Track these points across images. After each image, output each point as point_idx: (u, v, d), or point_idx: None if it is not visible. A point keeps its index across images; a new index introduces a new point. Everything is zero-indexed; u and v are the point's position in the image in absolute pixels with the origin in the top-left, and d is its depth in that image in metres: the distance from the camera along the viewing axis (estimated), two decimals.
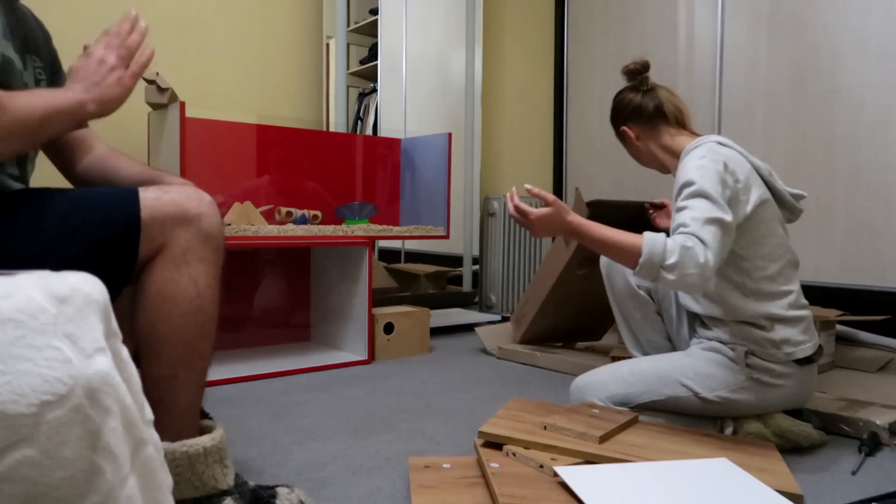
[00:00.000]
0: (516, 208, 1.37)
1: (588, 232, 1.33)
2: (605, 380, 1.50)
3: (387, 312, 2.31)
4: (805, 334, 1.39)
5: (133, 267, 0.90)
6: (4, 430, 0.52)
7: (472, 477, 1.17)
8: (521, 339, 2.34)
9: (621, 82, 1.61)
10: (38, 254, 0.84)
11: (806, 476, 1.26)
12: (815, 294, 2.46)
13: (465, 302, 3.15)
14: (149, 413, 0.65)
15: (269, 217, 2.35)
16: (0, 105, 0.80)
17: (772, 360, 1.37)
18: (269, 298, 2.42)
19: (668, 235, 1.28)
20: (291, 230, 2.06)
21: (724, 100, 2.81)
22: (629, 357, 1.69)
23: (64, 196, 0.90)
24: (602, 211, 1.88)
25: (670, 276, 1.22)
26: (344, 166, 2.61)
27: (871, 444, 1.38)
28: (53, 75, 1.15)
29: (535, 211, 1.35)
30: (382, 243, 2.92)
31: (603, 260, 1.64)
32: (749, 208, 1.35)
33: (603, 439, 1.25)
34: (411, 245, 3.01)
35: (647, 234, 1.26)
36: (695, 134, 1.55)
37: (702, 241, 1.23)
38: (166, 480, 0.65)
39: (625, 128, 1.58)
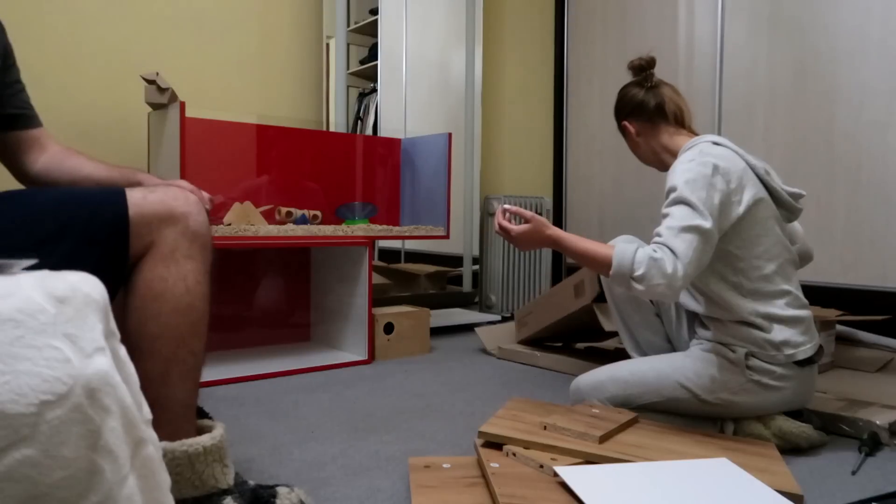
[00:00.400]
0: (499, 226, 1.44)
1: (566, 244, 1.39)
2: (605, 381, 1.50)
3: (387, 312, 2.31)
4: (805, 335, 1.39)
5: (124, 267, 0.91)
6: (4, 430, 0.52)
7: (472, 477, 1.17)
8: (522, 341, 2.34)
9: (621, 82, 1.61)
10: (27, 252, 0.84)
11: (806, 476, 1.26)
12: (815, 294, 2.46)
13: (465, 302, 3.15)
14: (148, 413, 0.65)
15: (269, 217, 2.35)
16: None
17: (772, 362, 1.37)
18: (269, 298, 2.42)
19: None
20: (291, 230, 2.06)
21: (724, 100, 2.81)
22: (628, 357, 1.69)
23: (51, 196, 0.90)
24: None
25: (639, 287, 1.26)
26: (344, 166, 2.61)
27: (871, 444, 1.38)
28: (5, 70, 1.14)
29: (516, 228, 1.42)
30: (382, 243, 2.92)
31: None
32: (742, 209, 1.35)
33: (603, 439, 1.25)
34: (411, 245, 3.01)
35: (618, 246, 1.30)
36: (693, 134, 1.55)
37: (672, 250, 1.25)
38: (166, 480, 0.65)
39: (626, 123, 1.59)
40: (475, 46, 3.14)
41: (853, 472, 1.28)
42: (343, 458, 1.33)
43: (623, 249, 1.29)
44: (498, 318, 2.99)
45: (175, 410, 0.92)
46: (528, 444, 1.22)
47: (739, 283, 1.38)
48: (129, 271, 0.92)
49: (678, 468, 1.14)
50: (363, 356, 2.22)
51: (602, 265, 1.33)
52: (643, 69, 1.57)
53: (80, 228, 0.87)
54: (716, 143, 1.43)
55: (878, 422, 1.44)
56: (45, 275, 0.60)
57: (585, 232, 3.43)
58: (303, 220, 2.30)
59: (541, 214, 3.20)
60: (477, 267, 3.17)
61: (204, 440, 0.91)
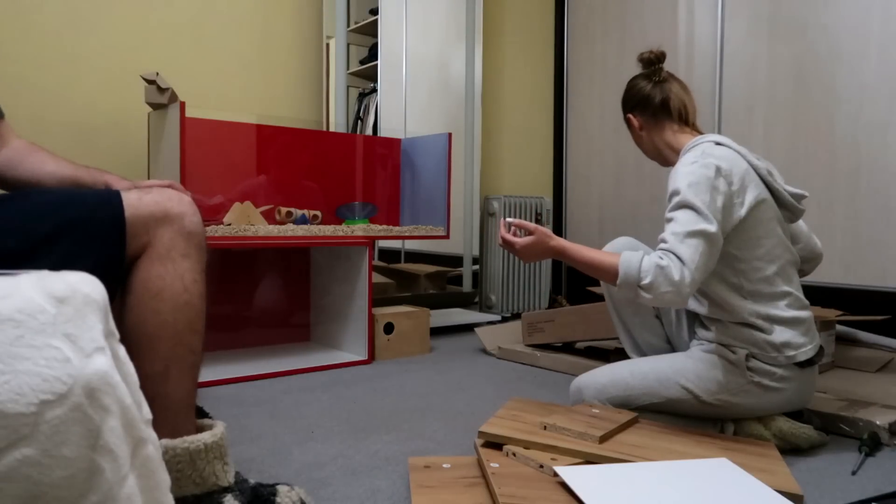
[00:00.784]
0: (503, 239, 1.43)
1: (571, 254, 1.39)
2: (605, 382, 1.50)
3: (387, 312, 2.31)
4: (806, 336, 1.39)
5: (121, 267, 0.91)
6: (4, 430, 0.52)
7: (472, 477, 1.17)
8: (530, 344, 2.33)
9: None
10: (23, 255, 0.84)
11: (806, 476, 1.26)
12: (815, 294, 2.46)
13: (465, 302, 3.15)
14: (147, 412, 0.65)
15: (269, 217, 2.35)
16: None
17: (773, 363, 1.37)
18: (269, 298, 2.42)
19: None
20: (291, 230, 2.06)
21: (724, 100, 2.81)
22: (628, 358, 1.69)
23: (47, 198, 0.91)
24: None
25: (646, 295, 1.26)
26: (344, 166, 2.61)
27: (871, 444, 1.38)
28: None
29: (520, 240, 1.41)
30: (382, 243, 2.92)
31: None
32: (744, 210, 1.35)
33: (603, 439, 1.25)
34: (411, 245, 3.01)
35: (624, 254, 1.30)
36: (698, 132, 1.54)
37: (679, 257, 1.25)
38: (165, 479, 0.65)
39: (630, 115, 1.59)
40: (475, 46, 3.14)
41: (853, 472, 1.28)
42: (343, 458, 1.33)
43: (629, 258, 1.28)
44: (498, 318, 2.99)
45: (175, 408, 0.93)
46: (528, 444, 1.22)
47: (740, 285, 1.38)
48: (127, 271, 0.93)
49: (678, 468, 1.14)
50: (363, 356, 2.22)
51: (608, 274, 1.32)
52: (652, 63, 1.56)
53: (78, 230, 0.88)
54: (718, 144, 1.43)
55: (878, 422, 1.44)
56: (45, 275, 0.60)
57: (585, 232, 3.43)
58: (303, 220, 2.30)
59: (541, 215, 3.21)
60: (477, 267, 3.17)
61: (205, 437, 0.92)
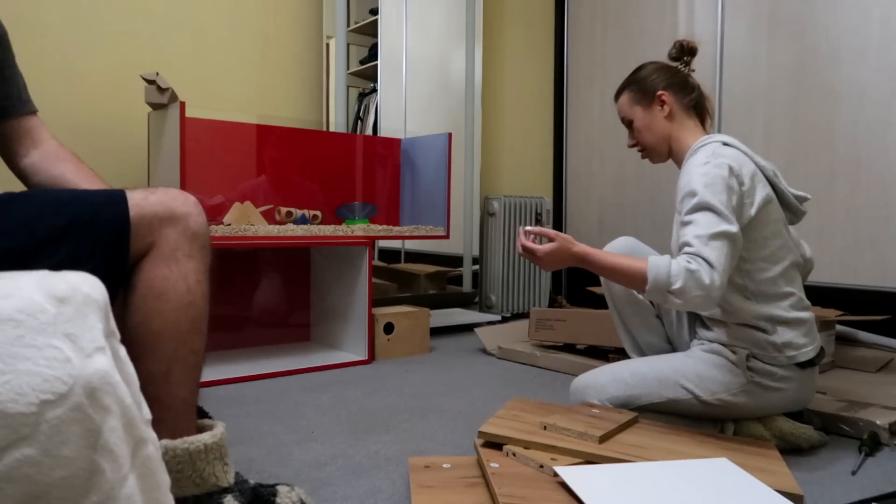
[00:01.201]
0: (523, 247, 1.39)
1: (595, 260, 1.36)
2: (605, 382, 1.50)
3: (387, 312, 2.31)
4: (807, 337, 1.39)
5: (126, 267, 0.91)
6: (4, 430, 0.52)
7: (472, 477, 1.17)
8: (534, 339, 2.33)
9: (621, 82, 1.60)
10: (28, 254, 0.84)
11: (806, 476, 1.26)
12: (815, 294, 2.46)
13: (465, 302, 3.15)
14: (147, 412, 0.65)
15: (269, 217, 2.35)
16: None
17: (773, 364, 1.37)
18: (269, 298, 2.42)
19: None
20: (291, 230, 2.06)
21: (724, 100, 2.81)
22: (628, 358, 1.69)
23: (52, 197, 0.90)
24: None
25: (677, 301, 1.24)
26: (344, 166, 2.61)
27: (871, 444, 1.38)
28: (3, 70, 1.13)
29: (542, 248, 1.37)
30: (382, 243, 2.92)
31: None
32: (753, 210, 1.35)
33: (603, 439, 1.25)
34: (411, 245, 3.01)
35: (652, 259, 1.27)
36: (705, 134, 1.54)
37: (706, 260, 1.24)
38: (165, 479, 0.65)
39: (663, 93, 1.51)
40: (475, 46, 3.14)
41: (853, 472, 1.28)
42: (343, 458, 1.33)
43: (657, 263, 1.26)
44: (498, 318, 2.98)
45: (176, 409, 0.92)
46: (528, 444, 1.22)
47: (744, 286, 1.38)
48: (130, 271, 0.93)
49: (678, 468, 1.14)
50: (363, 356, 2.22)
51: (636, 280, 1.29)
52: (685, 53, 1.54)
53: (82, 229, 0.87)
54: (726, 144, 1.43)
55: (878, 422, 1.44)
56: (46, 275, 0.60)
57: (585, 232, 3.43)
58: (303, 220, 2.30)
59: (540, 215, 3.21)
60: (477, 267, 3.17)
61: (205, 438, 0.92)
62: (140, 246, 0.92)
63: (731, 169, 1.34)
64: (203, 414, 1.02)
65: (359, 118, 2.85)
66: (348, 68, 2.79)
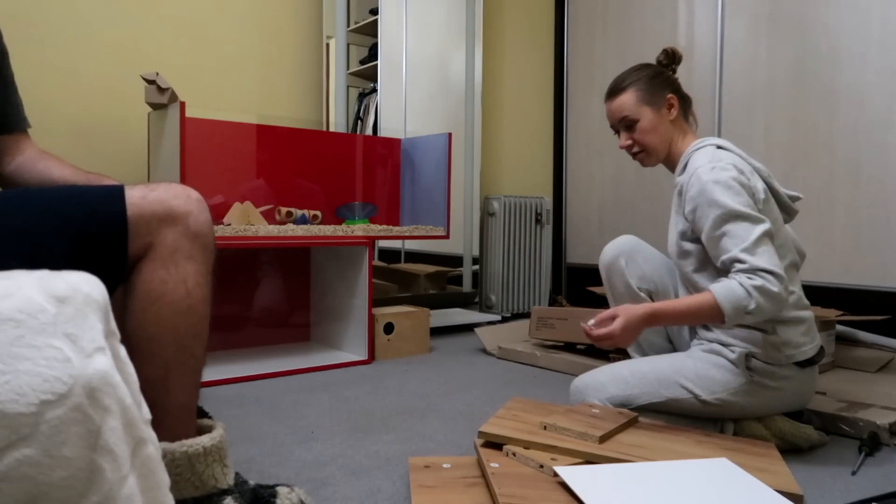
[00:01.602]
0: (597, 338, 1.35)
1: (665, 313, 1.33)
2: (605, 381, 1.50)
3: (387, 312, 2.31)
4: (806, 336, 1.39)
5: (123, 267, 0.89)
6: (4, 430, 0.52)
7: (472, 477, 1.17)
8: (535, 338, 2.33)
9: (616, 80, 1.59)
10: (23, 255, 0.82)
11: (806, 476, 1.26)
12: (815, 294, 2.46)
13: (465, 302, 3.15)
14: (147, 412, 0.65)
15: (269, 217, 2.35)
16: None
17: (773, 363, 1.37)
18: (269, 298, 2.42)
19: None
20: (291, 230, 2.06)
21: (724, 100, 2.81)
22: (628, 357, 1.69)
23: (48, 195, 0.88)
24: None
25: (753, 319, 1.28)
26: (344, 166, 2.61)
27: (871, 444, 1.38)
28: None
29: (613, 327, 1.33)
30: (382, 243, 2.92)
31: (602, 260, 1.64)
32: (759, 206, 1.37)
33: (603, 439, 1.25)
34: (411, 245, 3.01)
35: (717, 292, 1.28)
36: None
37: (764, 270, 1.26)
38: (165, 479, 0.65)
39: (672, 96, 1.51)
40: (475, 46, 3.14)
41: (853, 472, 1.28)
42: (343, 458, 1.33)
43: (724, 293, 1.27)
44: (498, 318, 2.98)
45: (175, 413, 0.91)
46: (528, 444, 1.22)
47: None
48: (129, 271, 0.91)
49: (678, 468, 1.14)
50: (363, 356, 2.22)
51: (712, 316, 1.29)
52: (673, 61, 1.55)
53: (78, 228, 0.85)
54: (720, 147, 1.44)
55: (878, 422, 1.44)
56: (46, 275, 0.60)
57: (585, 232, 3.43)
58: (303, 220, 2.30)
59: (540, 215, 3.21)
60: (477, 267, 3.17)
61: (203, 441, 0.91)
62: (138, 246, 0.89)
63: (735, 167, 1.36)
64: (203, 414, 1.01)
65: (359, 118, 2.85)
66: (348, 68, 2.79)
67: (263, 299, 2.41)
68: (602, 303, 2.03)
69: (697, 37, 2.90)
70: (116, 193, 0.89)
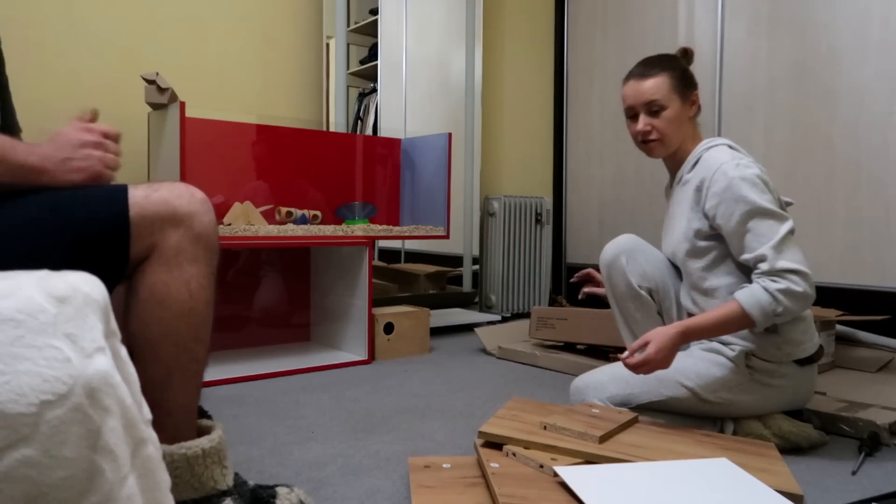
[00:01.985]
0: (637, 366, 1.33)
1: (697, 329, 1.33)
2: (605, 380, 1.50)
3: (387, 312, 2.31)
4: (805, 334, 1.39)
5: (125, 267, 0.89)
6: (4, 430, 0.52)
7: (472, 477, 1.17)
8: (535, 338, 2.33)
9: (621, 82, 1.60)
10: (24, 255, 0.82)
11: (806, 476, 1.26)
12: (816, 294, 2.45)
13: (465, 302, 3.15)
14: (147, 412, 0.65)
15: (269, 217, 2.35)
16: None
17: (772, 360, 1.37)
18: (269, 298, 2.42)
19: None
20: (291, 230, 2.06)
21: (724, 100, 2.81)
22: None
23: (49, 196, 0.88)
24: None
25: (783, 320, 1.30)
26: (344, 166, 2.61)
27: (871, 444, 1.38)
28: None
29: (649, 352, 1.32)
30: (382, 243, 2.92)
31: (602, 259, 1.64)
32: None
33: (603, 439, 1.25)
34: (411, 245, 3.01)
35: (742, 299, 1.29)
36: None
37: (787, 270, 1.28)
38: (166, 480, 0.65)
39: (697, 95, 1.52)
40: (475, 46, 3.14)
41: (853, 472, 1.28)
42: (343, 458, 1.33)
43: (750, 300, 1.29)
44: (498, 318, 2.98)
45: (176, 415, 0.91)
46: (528, 444, 1.22)
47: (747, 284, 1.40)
48: (132, 272, 0.90)
49: (678, 468, 1.14)
50: (363, 356, 2.22)
51: (742, 324, 1.31)
52: (688, 61, 1.55)
53: (80, 229, 0.85)
54: (731, 147, 1.46)
55: (878, 422, 1.44)
56: (46, 275, 0.60)
57: (585, 232, 3.43)
58: (303, 220, 2.30)
59: (540, 215, 3.21)
60: (477, 267, 3.17)
61: (202, 443, 0.91)
62: (141, 247, 0.88)
63: (757, 166, 1.38)
64: (203, 414, 1.01)
65: (359, 118, 2.85)
66: (348, 68, 2.79)
67: (263, 299, 2.41)
68: (601, 303, 2.03)
69: (697, 37, 2.90)
70: (119, 193, 0.88)
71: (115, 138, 0.95)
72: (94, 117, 0.98)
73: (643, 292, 1.59)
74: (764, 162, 2.66)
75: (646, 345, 1.33)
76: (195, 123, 2.22)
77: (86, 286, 0.60)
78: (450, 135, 2.50)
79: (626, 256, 1.59)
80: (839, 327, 2.21)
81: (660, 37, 3.05)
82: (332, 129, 2.71)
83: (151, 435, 0.64)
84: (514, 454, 1.21)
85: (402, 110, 2.92)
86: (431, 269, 3.04)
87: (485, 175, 3.30)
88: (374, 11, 2.83)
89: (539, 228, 3.24)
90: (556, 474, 1.11)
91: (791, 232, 1.32)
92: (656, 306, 1.61)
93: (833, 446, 1.42)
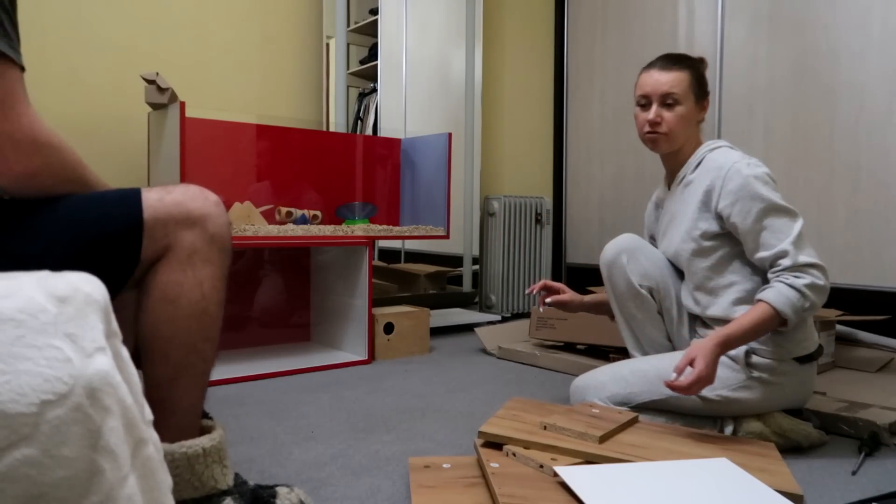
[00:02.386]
0: (688, 389, 1.29)
1: (734, 336, 1.32)
2: (605, 380, 1.51)
3: (387, 312, 2.31)
4: (805, 332, 1.41)
5: (134, 269, 0.89)
6: (5, 430, 0.52)
7: (472, 477, 1.17)
8: (535, 338, 2.33)
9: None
10: (36, 256, 0.83)
11: (806, 476, 1.26)
12: None
13: (465, 302, 3.15)
14: (148, 413, 0.65)
15: (269, 217, 2.35)
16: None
17: (772, 358, 1.38)
18: (269, 298, 2.42)
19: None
20: (291, 230, 2.06)
21: (724, 100, 2.81)
22: (628, 357, 1.69)
23: (65, 197, 0.88)
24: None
25: (809, 314, 1.35)
26: (344, 166, 2.61)
27: (871, 444, 1.38)
28: None
29: (698, 369, 1.29)
30: (382, 243, 2.92)
31: (603, 258, 1.64)
32: None
33: (603, 439, 1.25)
34: (411, 245, 3.01)
35: (771, 299, 1.31)
36: None
37: (807, 265, 1.32)
38: (166, 480, 0.65)
39: (708, 100, 1.54)
40: (475, 46, 3.14)
41: (853, 472, 1.28)
42: (343, 458, 1.33)
43: (779, 299, 1.30)
44: (498, 318, 2.98)
45: (181, 414, 0.92)
46: (528, 444, 1.22)
47: (754, 289, 1.42)
48: (146, 273, 0.91)
49: (678, 468, 1.14)
50: (363, 356, 2.22)
51: (774, 323, 1.32)
52: (704, 67, 1.58)
53: (92, 231, 0.86)
54: (731, 148, 1.49)
55: (878, 422, 1.44)
56: (46, 275, 0.60)
57: (585, 232, 3.43)
58: (303, 220, 2.30)
59: (540, 215, 3.22)
60: (477, 267, 3.17)
61: (203, 441, 0.91)
62: (155, 248, 0.89)
63: (764, 165, 1.42)
64: (203, 414, 1.01)
65: (359, 118, 2.85)
66: (348, 68, 2.79)
67: (264, 299, 2.41)
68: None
69: (697, 37, 2.90)
70: (133, 195, 0.89)
71: None
72: None
73: (644, 291, 1.59)
74: (764, 162, 2.66)
75: (691, 363, 1.30)
76: (195, 123, 2.22)
77: (86, 286, 0.60)
78: (450, 135, 2.50)
79: (628, 255, 1.59)
80: (839, 327, 2.21)
81: (660, 37, 3.05)
82: (332, 129, 2.71)
83: (152, 435, 0.64)
84: (514, 454, 1.21)
85: (402, 110, 2.92)
86: (431, 269, 3.04)
87: (485, 175, 3.30)
88: (374, 11, 2.83)
89: (539, 228, 3.25)
90: (556, 474, 1.11)
91: (802, 226, 1.36)
92: (657, 305, 1.61)
93: (833, 446, 1.43)
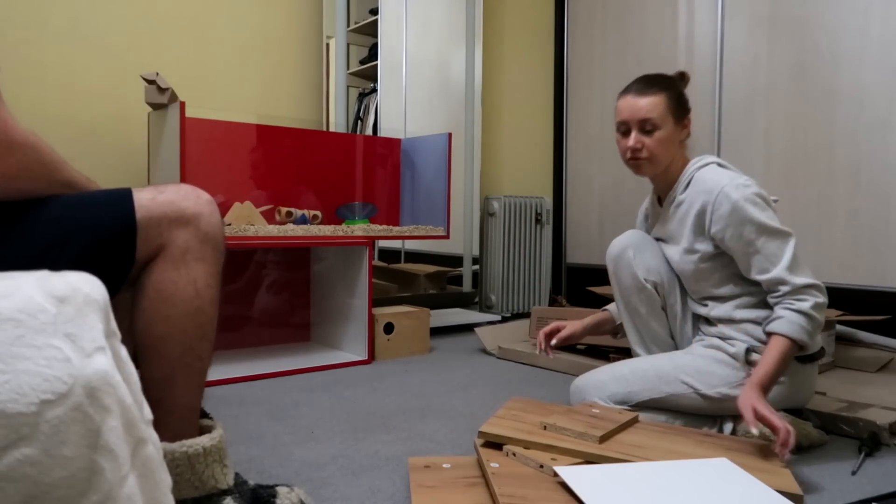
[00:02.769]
0: (782, 446, 1.20)
1: (768, 378, 1.30)
2: (606, 379, 1.51)
3: (387, 312, 2.31)
4: None
5: (130, 269, 0.90)
6: (4, 429, 0.52)
7: (472, 477, 1.17)
8: (534, 337, 2.34)
9: (621, 82, 1.61)
10: (32, 260, 0.83)
11: (806, 476, 1.26)
12: None
13: (465, 302, 3.15)
14: (148, 412, 0.65)
15: (269, 217, 2.35)
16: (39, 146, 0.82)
17: None
18: (269, 298, 2.42)
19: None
20: (291, 230, 2.06)
21: (724, 100, 2.81)
22: (629, 357, 1.69)
23: (56, 200, 0.88)
24: None
25: (819, 332, 1.37)
26: (344, 166, 2.61)
27: (871, 444, 1.38)
28: None
29: (775, 423, 1.20)
30: (382, 243, 2.92)
31: (609, 253, 1.63)
32: None
33: (603, 439, 1.25)
34: (411, 245, 3.01)
35: (786, 331, 1.32)
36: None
37: (805, 286, 1.34)
38: (166, 479, 0.65)
39: (689, 119, 1.52)
40: (475, 46, 3.14)
41: (853, 472, 1.28)
42: (343, 458, 1.33)
43: (793, 328, 1.32)
44: (498, 318, 2.98)
45: (179, 413, 0.92)
46: (528, 444, 1.22)
47: (759, 291, 1.43)
48: (140, 272, 0.91)
49: (678, 468, 1.14)
50: (363, 356, 2.22)
51: (794, 351, 1.34)
52: (684, 84, 1.56)
53: (86, 233, 0.86)
54: (720, 165, 1.49)
55: (878, 422, 1.44)
56: (46, 275, 0.60)
57: (585, 232, 3.43)
58: (303, 220, 2.30)
59: (540, 215, 3.22)
60: (477, 267, 3.17)
61: (203, 441, 0.91)
62: (149, 248, 0.89)
63: (755, 183, 1.41)
64: (203, 414, 1.01)
65: (359, 118, 2.85)
66: (348, 68, 2.79)
67: (264, 299, 2.41)
68: (602, 303, 2.03)
69: (697, 37, 2.90)
70: (125, 196, 0.89)
71: None
72: None
73: (648, 286, 1.57)
74: (764, 162, 2.66)
75: (762, 418, 1.23)
76: (195, 123, 2.22)
77: (86, 286, 0.60)
78: (450, 135, 2.50)
79: (634, 250, 1.58)
80: (839, 327, 2.21)
81: (660, 37, 3.05)
82: (332, 129, 2.71)
83: (152, 435, 0.64)
84: (514, 454, 1.21)
85: (402, 110, 2.92)
86: (431, 269, 3.04)
87: (485, 175, 3.30)
88: (374, 11, 2.83)
89: (539, 228, 3.24)
90: (556, 474, 1.11)
91: (794, 246, 1.37)
92: (661, 301, 1.60)
93: (833, 446, 1.43)
